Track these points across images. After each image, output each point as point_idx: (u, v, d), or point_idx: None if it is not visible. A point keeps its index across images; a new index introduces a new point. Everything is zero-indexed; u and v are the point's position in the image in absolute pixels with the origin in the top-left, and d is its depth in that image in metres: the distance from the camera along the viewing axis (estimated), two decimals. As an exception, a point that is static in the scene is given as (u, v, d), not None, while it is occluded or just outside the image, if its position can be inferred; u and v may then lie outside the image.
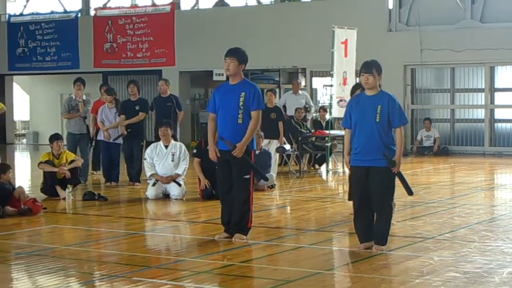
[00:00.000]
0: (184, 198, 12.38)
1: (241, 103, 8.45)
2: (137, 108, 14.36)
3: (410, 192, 8.17)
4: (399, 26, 23.19)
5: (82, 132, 14.76)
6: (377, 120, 7.87)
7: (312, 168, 17.66)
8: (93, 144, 15.41)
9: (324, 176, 16.64)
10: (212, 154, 8.65)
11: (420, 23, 22.58)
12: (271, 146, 15.80)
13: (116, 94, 15.03)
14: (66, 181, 12.33)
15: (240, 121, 8.47)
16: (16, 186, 11.14)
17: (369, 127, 7.89)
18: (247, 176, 8.52)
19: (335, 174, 16.82)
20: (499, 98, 22.49)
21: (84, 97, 14.94)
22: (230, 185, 8.57)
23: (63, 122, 21.73)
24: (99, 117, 14.70)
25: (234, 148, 8.41)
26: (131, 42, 26.94)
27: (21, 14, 29.63)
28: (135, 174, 14.28)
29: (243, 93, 8.47)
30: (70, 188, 12.04)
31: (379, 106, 7.90)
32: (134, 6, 27.72)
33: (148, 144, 13.46)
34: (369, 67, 8.01)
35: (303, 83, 24.44)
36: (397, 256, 7.76)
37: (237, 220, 8.55)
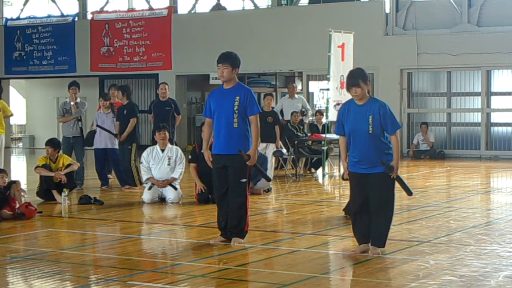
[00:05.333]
0: (180, 202, 12.38)
1: (236, 107, 8.43)
2: (124, 112, 14.34)
3: (409, 193, 8.20)
4: (396, 30, 23.23)
5: (76, 135, 14.71)
6: (370, 131, 7.86)
7: (308, 171, 17.67)
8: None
9: (320, 180, 16.64)
10: (208, 162, 8.67)
11: (417, 27, 22.63)
12: (268, 150, 15.81)
13: (110, 99, 15.02)
14: (62, 185, 12.32)
15: (235, 125, 8.45)
16: (12, 180, 11.11)
17: (363, 139, 7.90)
18: (244, 180, 8.51)
19: (331, 177, 16.83)
20: (496, 102, 22.54)
21: (78, 100, 14.91)
22: (226, 189, 8.56)
23: (59, 126, 21.70)
24: (95, 123, 14.69)
25: (248, 158, 8.41)
26: (128, 46, 26.95)
27: (18, 18, 29.63)
28: (126, 178, 14.26)
29: (237, 97, 8.45)
30: (66, 192, 12.03)
31: (370, 116, 7.86)
32: (131, 10, 27.74)
33: (143, 148, 13.44)
34: (355, 80, 7.90)
35: (299, 87, 24.48)
36: (393, 259, 7.76)
37: (234, 224, 8.55)
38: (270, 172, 14.76)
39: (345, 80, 17.22)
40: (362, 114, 7.91)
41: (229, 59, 8.52)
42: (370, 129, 7.87)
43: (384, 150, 7.93)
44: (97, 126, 14.46)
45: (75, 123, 14.73)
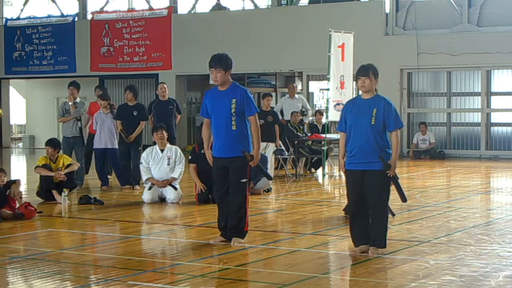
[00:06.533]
0: (180, 202, 12.38)
1: (233, 110, 8.41)
2: (134, 113, 14.33)
3: (404, 199, 8.16)
4: (396, 30, 23.24)
5: (76, 135, 14.71)
6: (372, 123, 7.91)
7: (308, 171, 17.67)
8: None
9: (320, 180, 16.64)
10: (209, 161, 8.68)
11: (417, 27, 22.63)
12: (268, 149, 15.82)
13: (110, 99, 14.97)
14: (62, 185, 12.31)
15: (234, 127, 8.44)
16: (12, 180, 11.11)
17: (364, 130, 7.92)
18: (244, 180, 8.52)
19: (331, 177, 16.83)
20: (496, 102, 22.54)
21: (77, 99, 14.92)
22: (226, 189, 8.57)
23: (59, 126, 21.69)
24: (94, 124, 14.70)
25: (252, 158, 8.42)
26: (128, 46, 26.95)
27: (18, 18, 29.63)
28: (130, 178, 14.27)
29: (234, 100, 8.42)
30: (66, 192, 12.02)
31: (374, 109, 7.94)
32: (131, 10, 27.74)
33: (145, 148, 13.46)
34: (365, 70, 8.07)
35: (299, 87, 24.48)
36: (393, 259, 7.76)
37: (234, 224, 8.55)
38: (270, 172, 14.76)
39: (345, 80, 17.39)
40: (367, 107, 7.98)
41: (221, 63, 8.44)
42: (373, 120, 7.90)
43: (384, 148, 7.95)
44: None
45: (74, 123, 14.72)
